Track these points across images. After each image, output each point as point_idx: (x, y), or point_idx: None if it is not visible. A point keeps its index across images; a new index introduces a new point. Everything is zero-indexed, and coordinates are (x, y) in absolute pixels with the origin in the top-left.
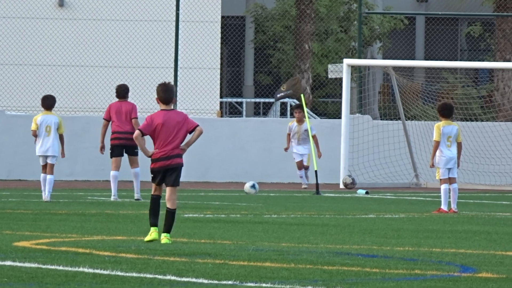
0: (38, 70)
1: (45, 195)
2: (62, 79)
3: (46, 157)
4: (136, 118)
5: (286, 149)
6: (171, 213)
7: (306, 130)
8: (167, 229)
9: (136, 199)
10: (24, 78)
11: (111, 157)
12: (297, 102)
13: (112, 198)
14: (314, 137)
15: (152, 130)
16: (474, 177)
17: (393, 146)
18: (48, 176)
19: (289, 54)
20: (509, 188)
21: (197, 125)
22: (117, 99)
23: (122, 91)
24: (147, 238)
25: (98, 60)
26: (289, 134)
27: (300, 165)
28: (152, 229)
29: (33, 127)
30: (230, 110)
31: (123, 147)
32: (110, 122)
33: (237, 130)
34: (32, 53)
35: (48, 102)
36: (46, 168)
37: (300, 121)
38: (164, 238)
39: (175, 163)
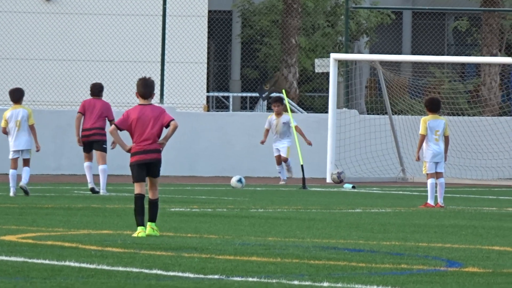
0: (24, 64)
1: (14, 191)
2: (48, 73)
3: (21, 151)
4: (114, 119)
5: (262, 142)
6: (154, 203)
7: (285, 123)
8: (152, 218)
9: (101, 193)
10: (11, 72)
11: (83, 151)
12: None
13: (89, 186)
14: (296, 127)
15: (128, 125)
16: (460, 172)
17: (380, 140)
18: (25, 168)
19: (276, 48)
20: (495, 183)
21: (172, 119)
22: (91, 97)
23: (97, 90)
24: (135, 235)
25: (85, 54)
26: (267, 129)
27: (279, 160)
28: (139, 228)
29: (3, 124)
30: (217, 105)
31: (91, 143)
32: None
33: (223, 124)
34: (18, 47)
35: (16, 95)
36: (16, 163)
37: (279, 114)
38: (149, 227)
39: (153, 158)
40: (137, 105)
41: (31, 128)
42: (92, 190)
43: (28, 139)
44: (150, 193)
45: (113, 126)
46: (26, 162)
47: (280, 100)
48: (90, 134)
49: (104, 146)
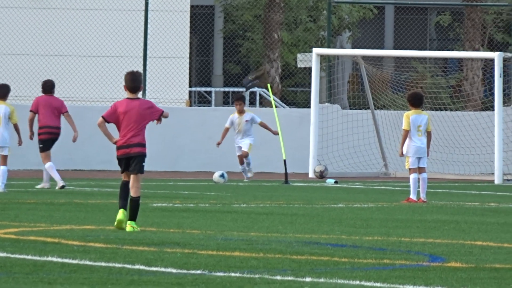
0: (8, 60)
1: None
2: (30, 68)
3: (1, 148)
4: (68, 111)
5: (218, 144)
6: (135, 201)
7: (248, 121)
8: (132, 217)
9: (61, 187)
10: None
11: (42, 151)
12: (266, 92)
13: (61, 183)
14: (261, 123)
15: (115, 118)
16: (443, 167)
17: (363, 135)
18: (2, 167)
19: (258, 43)
20: (478, 178)
21: (162, 111)
22: (43, 94)
23: (48, 87)
24: (117, 218)
25: (67, 49)
26: (227, 128)
27: (241, 160)
28: (120, 210)
29: None
30: (199, 100)
31: (53, 141)
32: (37, 115)
33: (206, 119)
34: (2, 42)
35: (1, 92)
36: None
37: (241, 112)
38: (129, 226)
39: (135, 152)
40: (125, 99)
41: (15, 126)
42: (63, 187)
43: (7, 136)
44: (132, 190)
45: (100, 118)
46: (4, 160)
47: (242, 98)
48: (53, 132)
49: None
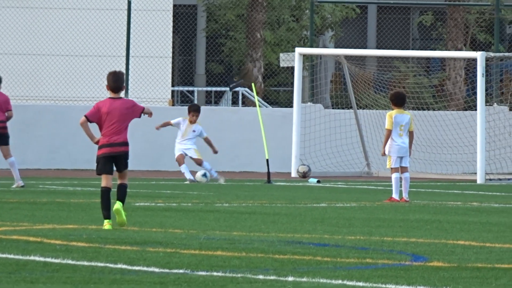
0: None
1: None
2: (12, 68)
3: None
4: (11, 110)
5: (157, 128)
6: (123, 186)
7: (195, 132)
8: (120, 198)
9: (21, 186)
10: None
11: None
12: (249, 92)
13: (20, 183)
14: (206, 139)
15: (98, 117)
16: (425, 166)
17: (345, 135)
18: None
19: (241, 42)
20: (460, 177)
21: (143, 108)
22: None
23: None
24: (103, 228)
25: (50, 48)
26: (169, 123)
27: (181, 160)
28: (106, 221)
29: None
30: (182, 99)
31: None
32: None
33: None
34: None
35: None
36: None
37: (192, 122)
38: (117, 205)
39: (120, 151)
40: (107, 98)
41: None
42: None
43: None
44: (119, 180)
45: (83, 118)
46: None
47: (198, 110)
48: (2, 126)
49: (8, 139)
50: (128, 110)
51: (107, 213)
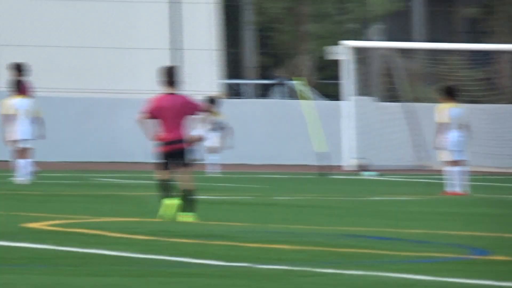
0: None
1: None
2: (67, 61)
3: None
4: None
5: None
6: (188, 193)
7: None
8: (189, 209)
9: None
10: None
11: None
12: (299, 86)
13: None
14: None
15: (155, 113)
16: (484, 160)
17: (398, 128)
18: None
19: (289, 35)
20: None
21: (198, 106)
22: None
23: None
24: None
25: (92, 41)
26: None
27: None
28: (165, 200)
29: None
30: (230, 92)
31: None
32: None
33: (240, 111)
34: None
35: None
36: None
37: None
38: (185, 217)
39: (176, 148)
40: (163, 94)
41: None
42: None
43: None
44: (183, 185)
45: (141, 114)
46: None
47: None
48: None
49: None
50: (183, 106)
51: (165, 194)
